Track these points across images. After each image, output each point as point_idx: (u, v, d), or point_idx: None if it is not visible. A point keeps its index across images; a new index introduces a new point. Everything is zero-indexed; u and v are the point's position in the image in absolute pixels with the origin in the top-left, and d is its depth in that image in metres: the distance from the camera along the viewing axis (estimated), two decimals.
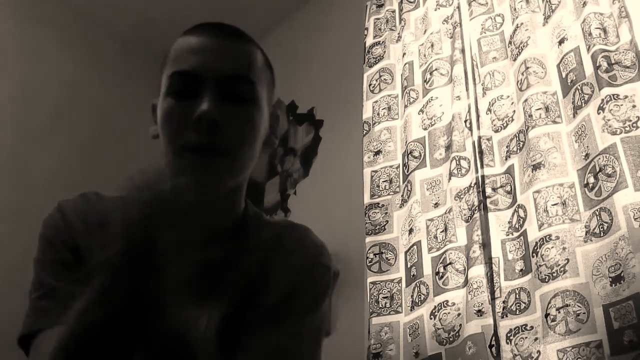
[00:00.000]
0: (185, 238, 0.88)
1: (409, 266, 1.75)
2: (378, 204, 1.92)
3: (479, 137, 1.75)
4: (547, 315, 1.37)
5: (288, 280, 0.89)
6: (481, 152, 1.73)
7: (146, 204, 0.89)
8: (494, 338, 1.47)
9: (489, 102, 1.78)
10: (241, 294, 0.88)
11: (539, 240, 1.45)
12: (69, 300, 0.82)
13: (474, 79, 1.85)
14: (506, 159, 1.68)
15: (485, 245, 1.59)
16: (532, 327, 1.42)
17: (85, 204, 0.92)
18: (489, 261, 1.57)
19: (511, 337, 1.44)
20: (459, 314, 1.57)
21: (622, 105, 1.42)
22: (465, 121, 1.80)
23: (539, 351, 1.37)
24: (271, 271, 0.90)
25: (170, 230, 0.87)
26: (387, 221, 1.88)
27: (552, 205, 1.47)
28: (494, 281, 1.54)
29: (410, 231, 1.78)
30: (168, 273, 0.86)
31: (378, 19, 2.28)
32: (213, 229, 0.91)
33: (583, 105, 1.51)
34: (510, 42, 1.80)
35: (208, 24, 0.91)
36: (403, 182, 1.89)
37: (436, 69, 1.95)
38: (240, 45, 0.88)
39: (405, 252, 1.78)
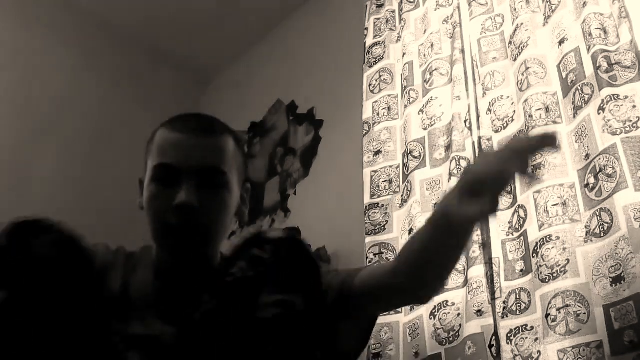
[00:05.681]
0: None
1: None
2: (378, 204, 1.92)
3: (479, 138, 1.75)
4: (547, 315, 1.37)
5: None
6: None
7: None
8: (494, 338, 1.47)
9: (489, 103, 1.78)
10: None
11: (540, 241, 1.45)
12: None
13: (474, 79, 1.85)
14: None
15: (486, 245, 1.58)
16: (532, 328, 1.42)
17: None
18: (489, 261, 1.56)
19: (511, 338, 1.44)
20: (458, 314, 1.57)
21: (622, 105, 1.42)
22: (465, 121, 1.80)
23: (539, 351, 1.37)
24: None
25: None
26: (387, 221, 1.88)
27: (553, 205, 1.47)
28: (495, 281, 1.54)
29: (410, 231, 1.77)
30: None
31: (378, 19, 2.28)
32: (195, 289, 1.01)
33: (583, 105, 1.51)
34: (510, 43, 1.80)
35: (186, 116, 1.08)
36: (403, 182, 1.89)
37: (436, 69, 1.95)
38: (214, 140, 1.04)
39: None
